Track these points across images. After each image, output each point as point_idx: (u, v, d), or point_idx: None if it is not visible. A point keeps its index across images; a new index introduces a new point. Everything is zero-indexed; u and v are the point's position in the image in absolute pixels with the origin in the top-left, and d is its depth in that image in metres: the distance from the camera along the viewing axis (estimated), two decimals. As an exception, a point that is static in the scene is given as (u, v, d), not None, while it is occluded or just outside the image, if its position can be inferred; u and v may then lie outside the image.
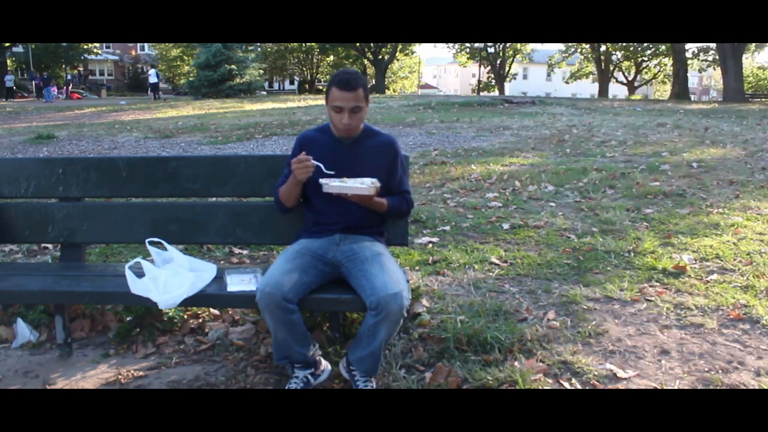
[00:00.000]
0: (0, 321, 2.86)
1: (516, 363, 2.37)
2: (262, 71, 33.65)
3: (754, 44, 34.12)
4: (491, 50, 42.63)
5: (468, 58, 45.14)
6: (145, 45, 49.87)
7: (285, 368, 2.32)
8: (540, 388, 2.23)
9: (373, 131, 2.44)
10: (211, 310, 2.97)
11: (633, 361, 2.47)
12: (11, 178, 2.74)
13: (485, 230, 4.32)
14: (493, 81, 44.46)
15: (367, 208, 2.33)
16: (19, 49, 39.17)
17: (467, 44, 42.13)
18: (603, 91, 36.64)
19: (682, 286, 3.22)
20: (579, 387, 2.27)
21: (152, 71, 30.74)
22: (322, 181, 2.19)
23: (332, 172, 2.26)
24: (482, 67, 43.75)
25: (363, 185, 2.16)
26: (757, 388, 2.26)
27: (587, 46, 36.62)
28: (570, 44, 38.94)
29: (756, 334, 2.69)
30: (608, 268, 3.51)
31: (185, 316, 2.90)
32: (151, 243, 2.46)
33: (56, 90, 35.58)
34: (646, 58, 38.13)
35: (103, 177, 2.72)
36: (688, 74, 29.03)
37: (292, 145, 2.45)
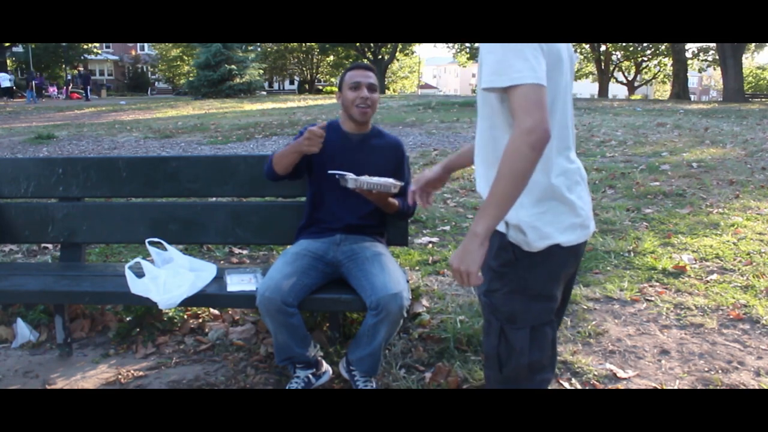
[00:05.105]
0: (0, 321, 2.86)
1: (516, 363, 2.37)
2: (262, 71, 33.66)
3: (754, 44, 34.12)
4: (491, 50, 42.50)
5: (468, 58, 45.14)
6: (145, 45, 49.89)
7: (285, 368, 2.32)
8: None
9: (381, 131, 2.46)
10: (211, 310, 2.97)
11: (633, 361, 2.47)
12: (11, 178, 2.74)
13: (485, 230, 4.32)
14: (493, 81, 44.33)
15: (379, 207, 2.33)
16: (19, 49, 39.18)
17: (467, 44, 42.13)
18: (603, 91, 36.63)
19: (682, 286, 3.22)
20: (579, 387, 2.27)
21: (3, 75, 30.23)
22: (349, 176, 2.14)
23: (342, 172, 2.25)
24: (482, 67, 43.65)
25: (387, 182, 2.16)
26: (757, 388, 2.26)
27: (587, 46, 36.60)
28: (570, 44, 38.82)
29: (756, 334, 2.69)
30: (608, 268, 3.51)
31: (185, 316, 2.90)
32: (150, 243, 2.46)
33: (56, 90, 35.60)
34: (646, 58, 38.13)
35: (103, 177, 2.72)
36: (688, 74, 29.01)
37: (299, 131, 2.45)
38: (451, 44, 40.71)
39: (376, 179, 2.15)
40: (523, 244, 1.43)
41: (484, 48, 1.37)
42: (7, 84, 29.18)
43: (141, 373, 2.47)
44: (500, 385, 1.56)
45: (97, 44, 42.58)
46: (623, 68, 40.12)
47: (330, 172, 2.25)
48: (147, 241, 2.47)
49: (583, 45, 36.73)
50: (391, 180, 2.18)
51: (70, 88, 35.27)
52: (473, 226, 1.34)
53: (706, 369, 2.40)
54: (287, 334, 2.12)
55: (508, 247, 1.46)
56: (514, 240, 1.44)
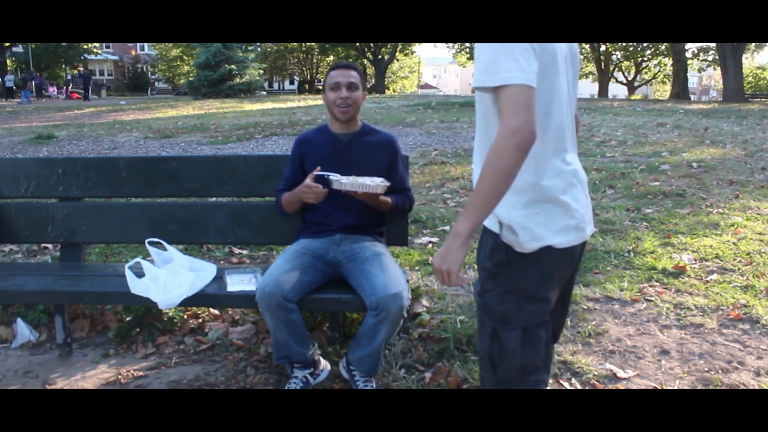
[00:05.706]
0: (0, 321, 2.86)
1: (516, 363, 2.37)
2: (262, 71, 33.63)
3: (754, 44, 34.11)
4: (491, 50, 42.45)
5: (468, 58, 45.09)
6: (145, 45, 49.87)
7: (285, 368, 2.32)
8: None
9: (372, 129, 2.46)
10: (211, 310, 2.97)
11: (633, 361, 2.47)
12: (11, 178, 2.74)
13: (485, 230, 4.32)
14: (493, 81, 44.27)
15: (372, 206, 2.33)
16: (19, 49, 39.16)
17: (467, 44, 42.11)
18: (603, 91, 36.61)
19: (682, 286, 3.22)
20: (579, 387, 2.27)
21: None
22: (333, 177, 2.17)
23: (337, 174, 2.26)
24: (482, 67, 43.60)
25: (373, 183, 2.16)
26: (757, 388, 2.26)
27: (587, 46, 36.58)
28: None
29: (756, 334, 2.69)
30: (608, 268, 3.51)
31: (185, 316, 2.90)
32: (150, 243, 2.46)
33: (56, 90, 35.58)
34: (646, 58, 38.12)
35: (103, 177, 2.72)
36: (688, 74, 28.99)
37: (292, 146, 2.47)
38: (451, 44, 40.69)
39: (362, 180, 2.15)
40: (515, 244, 1.43)
41: (477, 48, 1.38)
42: None
43: (141, 373, 2.47)
44: (494, 385, 1.56)
45: (97, 44, 42.55)
46: (623, 68, 40.09)
47: (317, 174, 2.26)
48: (147, 241, 2.47)
49: (583, 45, 36.70)
50: (378, 180, 2.18)
51: (70, 88, 35.24)
52: (456, 226, 1.34)
53: (706, 369, 2.40)
54: (286, 331, 2.12)
55: (502, 247, 1.46)
56: (507, 241, 1.44)
